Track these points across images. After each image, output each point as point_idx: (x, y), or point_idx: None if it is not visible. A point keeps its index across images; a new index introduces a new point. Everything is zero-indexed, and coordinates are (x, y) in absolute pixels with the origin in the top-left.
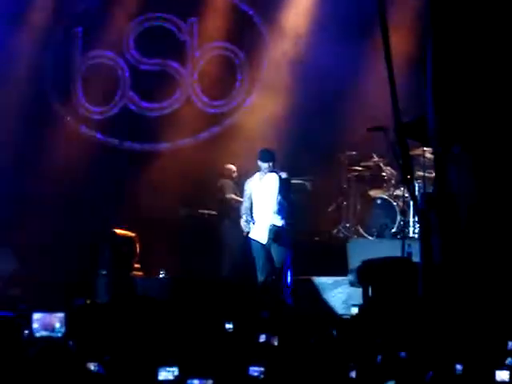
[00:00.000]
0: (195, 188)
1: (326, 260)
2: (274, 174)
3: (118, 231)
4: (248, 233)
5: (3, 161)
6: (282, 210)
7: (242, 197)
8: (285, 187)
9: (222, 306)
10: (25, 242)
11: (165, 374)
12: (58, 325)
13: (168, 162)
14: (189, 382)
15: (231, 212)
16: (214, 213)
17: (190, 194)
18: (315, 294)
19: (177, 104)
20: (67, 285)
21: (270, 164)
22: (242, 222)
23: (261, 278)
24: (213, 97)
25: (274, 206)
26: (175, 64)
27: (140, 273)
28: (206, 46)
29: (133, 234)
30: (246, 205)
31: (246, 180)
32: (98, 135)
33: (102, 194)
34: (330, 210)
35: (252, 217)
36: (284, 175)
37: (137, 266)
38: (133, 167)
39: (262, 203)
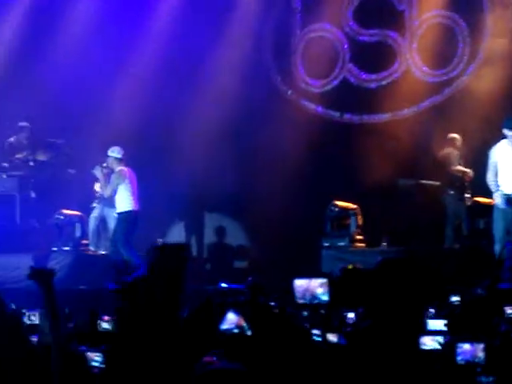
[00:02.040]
0: (416, 159)
1: None
2: None
3: (339, 203)
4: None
5: (223, 133)
6: None
7: (466, 167)
8: None
9: (447, 277)
10: (253, 216)
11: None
12: (320, 290)
13: (388, 133)
14: (459, 345)
15: (456, 182)
16: (436, 183)
17: (411, 165)
18: None
19: (396, 74)
20: (290, 258)
21: None
22: (496, 196)
23: (497, 248)
24: (433, 66)
25: None
26: (394, 34)
27: (363, 244)
28: (426, 15)
29: (354, 206)
30: (490, 174)
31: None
32: (319, 108)
33: (323, 167)
34: None
35: (498, 185)
36: None
37: (359, 237)
38: (352, 139)
39: (508, 172)
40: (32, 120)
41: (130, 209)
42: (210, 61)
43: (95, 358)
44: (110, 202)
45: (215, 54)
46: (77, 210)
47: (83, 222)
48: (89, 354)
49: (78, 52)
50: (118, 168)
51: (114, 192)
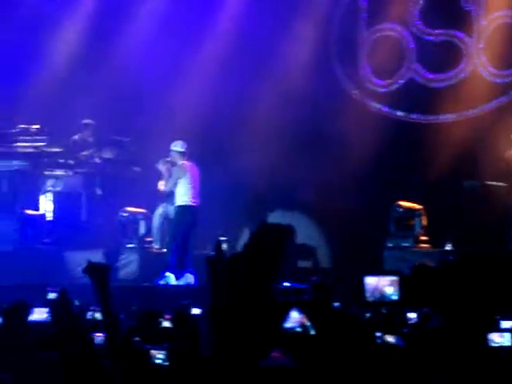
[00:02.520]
0: (481, 159)
1: None
2: None
3: (403, 204)
4: None
5: (288, 129)
6: None
7: None
8: None
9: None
10: (317, 215)
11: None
12: (389, 289)
13: (454, 133)
14: None
15: None
16: (501, 184)
17: (476, 166)
18: None
19: (462, 74)
20: (353, 258)
21: None
22: None
23: None
24: (500, 66)
25: None
26: (460, 34)
27: (427, 245)
28: (493, 15)
29: (420, 207)
30: None
31: None
32: (384, 108)
33: (388, 168)
34: None
35: None
36: None
37: (424, 238)
38: (418, 139)
39: None
40: (96, 118)
41: (188, 203)
42: (275, 56)
43: (158, 356)
44: (174, 199)
45: (281, 49)
46: (141, 208)
47: (148, 219)
48: (152, 351)
49: (141, 51)
50: (180, 162)
51: (175, 186)
